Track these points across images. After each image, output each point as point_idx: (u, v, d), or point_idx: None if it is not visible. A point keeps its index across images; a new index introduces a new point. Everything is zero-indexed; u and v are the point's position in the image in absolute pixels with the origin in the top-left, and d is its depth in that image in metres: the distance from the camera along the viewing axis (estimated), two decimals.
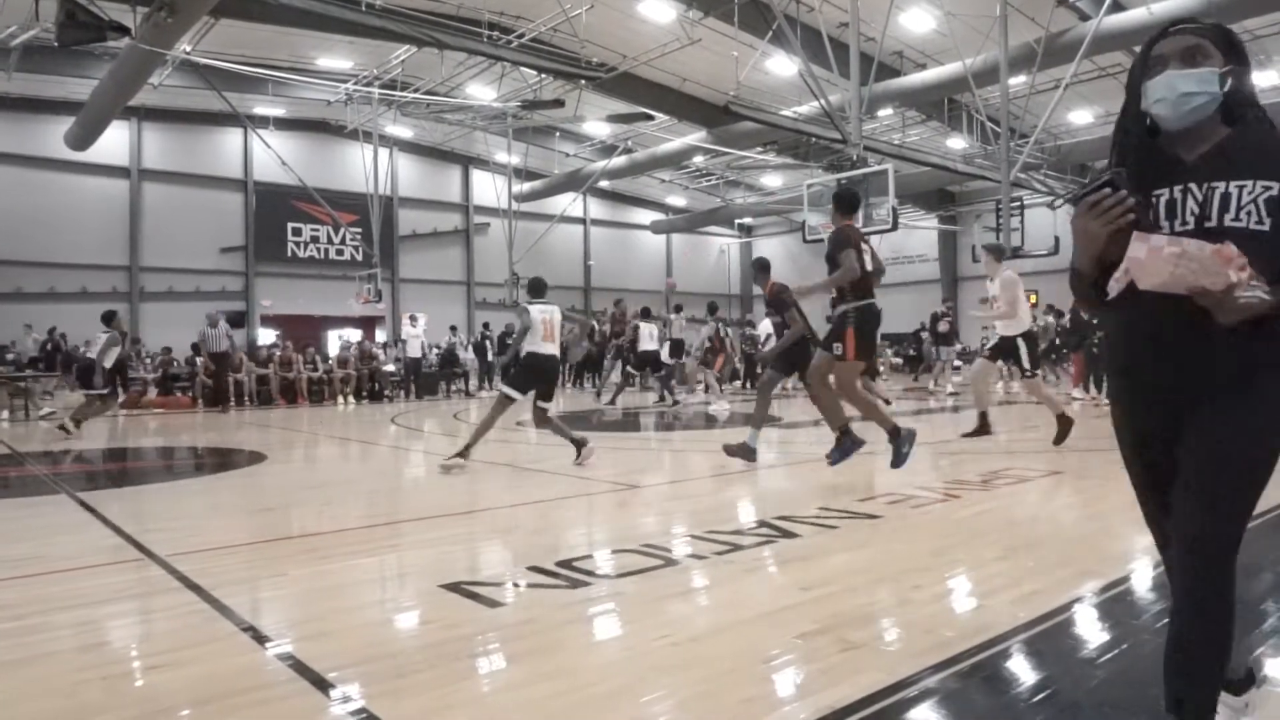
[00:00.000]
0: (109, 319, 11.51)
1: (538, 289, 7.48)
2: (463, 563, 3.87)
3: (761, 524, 4.33)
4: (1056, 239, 21.56)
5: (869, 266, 5.66)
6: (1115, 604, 3.05)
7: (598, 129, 27.23)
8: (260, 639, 2.77)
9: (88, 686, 2.40)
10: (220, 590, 3.27)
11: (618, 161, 27.89)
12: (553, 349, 7.09)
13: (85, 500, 5.54)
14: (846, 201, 5.94)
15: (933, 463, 6.72)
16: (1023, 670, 2.48)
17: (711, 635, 2.76)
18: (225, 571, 3.64)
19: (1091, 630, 2.82)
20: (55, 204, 24.72)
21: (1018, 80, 18.15)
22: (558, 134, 28.36)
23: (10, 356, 19.27)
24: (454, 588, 3.22)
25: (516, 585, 3.32)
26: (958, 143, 25.61)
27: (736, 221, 38.95)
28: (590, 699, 2.27)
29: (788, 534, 4.10)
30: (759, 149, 26.05)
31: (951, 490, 5.31)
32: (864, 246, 5.68)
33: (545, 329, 6.96)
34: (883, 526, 4.32)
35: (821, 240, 17.50)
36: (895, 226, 16.15)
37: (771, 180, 34.42)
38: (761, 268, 7.47)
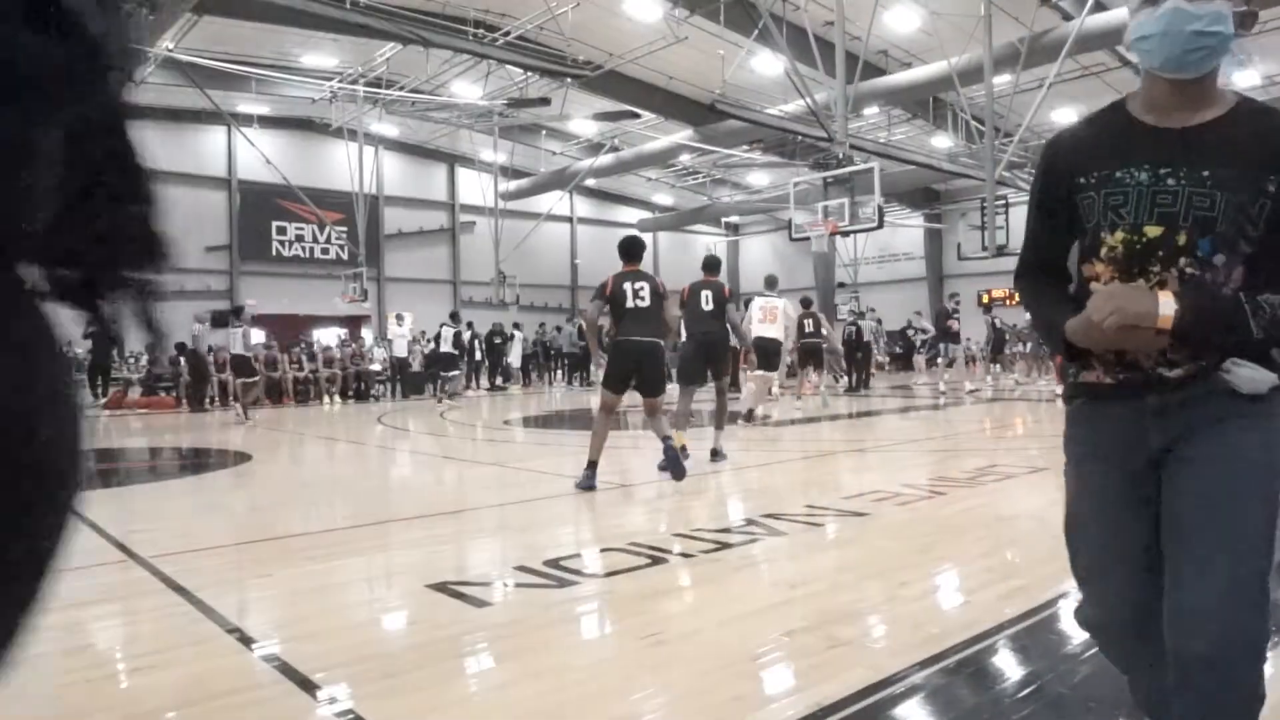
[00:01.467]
0: None
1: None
2: (450, 563, 3.86)
3: (749, 522, 4.34)
4: None
5: (630, 303, 5.80)
6: None
7: (584, 127, 27.19)
8: (246, 640, 2.76)
9: (73, 689, 2.38)
10: (205, 592, 3.25)
11: (604, 160, 27.87)
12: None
13: None
14: (622, 251, 6.12)
15: (918, 460, 6.76)
16: (1009, 665, 2.50)
17: (699, 633, 2.76)
18: (210, 573, 3.62)
19: (1075, 626, 2.84)
20: None
21: (1002, 79, 18.25)
22: (544, 132, 28.31)
23: None
24: (441, 588, 3.21)
25: (504, 585, 3.31)
26: (943, 141, 25.74)
27: (723, 220, 39.03)
28: (578, 698, 2.27)
29: (775, 532, 4.11)
30: (745, 147, 26.10)
31: (937, 487, 5.34)
32: (631, 285, 5.83)
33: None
34: (869, 524, 4.34)
35: (808, 239, 17.60)
36: (881, 225, 16.22)
37: (758, 179, 34.49)
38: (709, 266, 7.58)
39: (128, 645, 2.90)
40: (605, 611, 3.03)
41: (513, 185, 29.41)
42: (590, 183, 31.43)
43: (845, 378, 17.25)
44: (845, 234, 17.77)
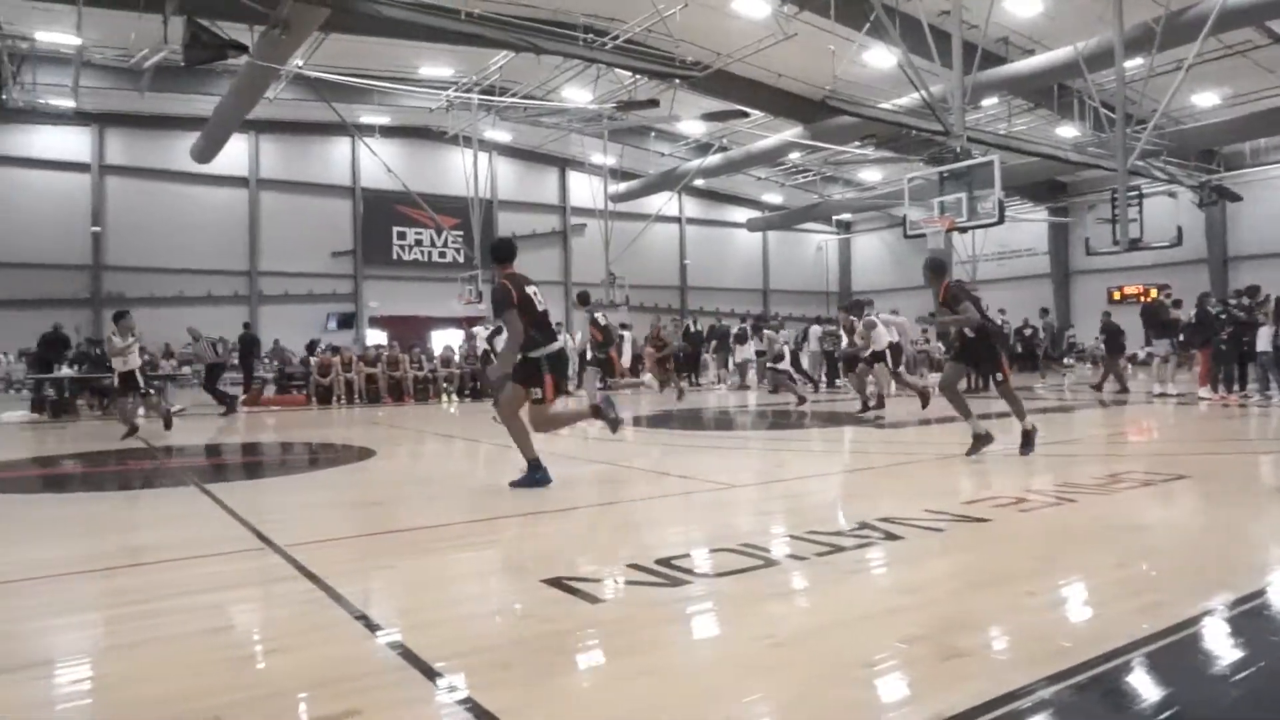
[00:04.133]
0: (119, 319, 10.75)
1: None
2: (563, 559, 3.93)
3: (863, 525, 4.24)
4: (1180, 229, 20.34)
5: (541, 307, 5.79)
6: (1250, 619, 2.85)
7: (692, 128, 27.21)
8: (372, 627, 2.88)
9: (215, 667, 2.54)
10: (334, 579, 3.41)
11: (713, 160, 27.81)
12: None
13: (212, 491, 5.88)
14: (500, 252, 6.05)
15: (1044, 465, 6.45)
16: (1146, 686, 2.35)
17: (811, 637, 2.72)
18: (338, 561, 3.80)
19: (1223, 646, 2.65)
20: (183, 213, 26.35)
21: (1134, 63, 17.22)
22: (652, 134, 28.49)
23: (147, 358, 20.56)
24: (555, 583, 3.27)
25: (615, 582, 3.35)
26: (1069, 131, 24.50)
27: (834, 218, 38.30)
28: (689, 697, 2.27)
29: (891, 536, 4.01)
30: (857, 143, 25.54)
31: (1065, 493, 5.08)
32: (530, 289, 5.78)
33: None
34: (991, 530, 4.17)
35: (923, 235, 17.04)
36: (1002, 220, 15.59)
37: (870, 175, 33.68)
38: (935, 269, 7.12)
39: (265, 628, 3.08)
40: (716, 612, 3.02)
41: (622, 187, 29.71)
42: (699, 183, 31.44)
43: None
44: (963, 230, 17.18)
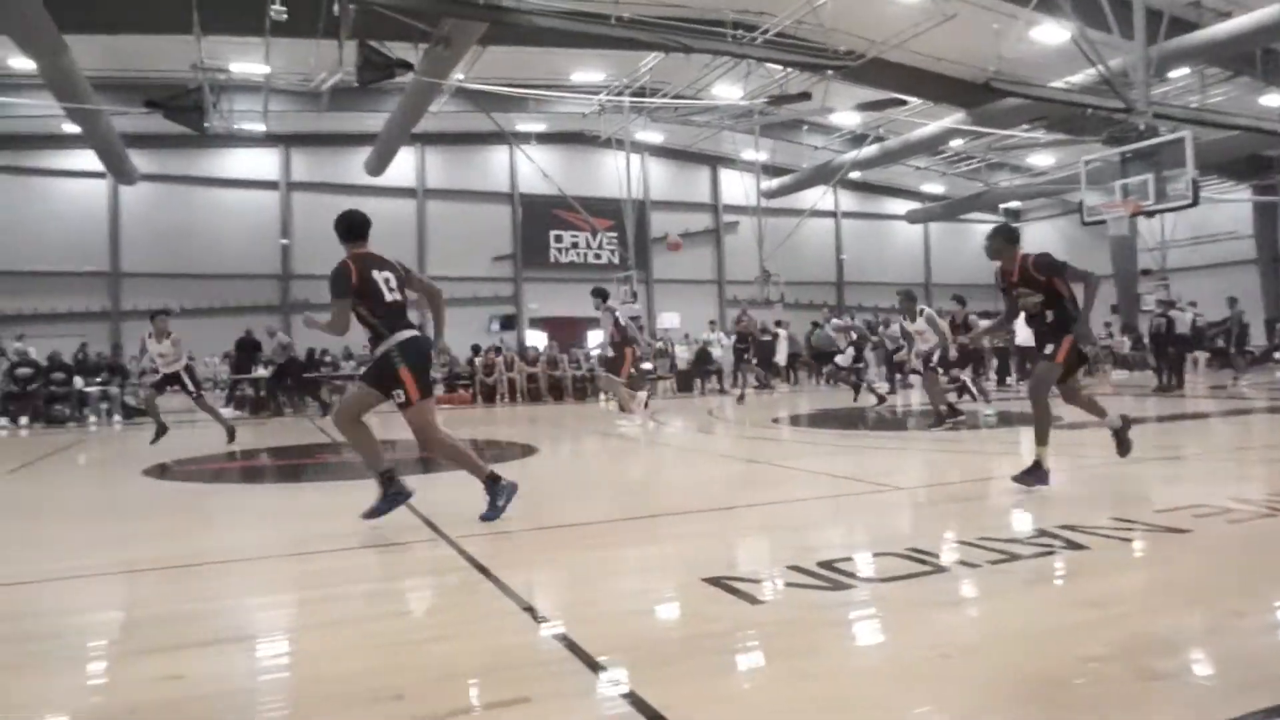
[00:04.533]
0: (154, 318, 10.23)
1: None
2: (723, 558, 3.92)
3: (1042, 533, 3.98)
4: None
5: (390, 297, 4.65)
6: None
7: (847, 119, 26.49)
8: (537, 618, 2.98)
9: (390, 650, 2.70)
10: (501, 571, 3.55)
11: (869, 151, 26.98)
12: None
13: None
14: (345, 229, 4.81)
15: (1252, 471, 5.83)
16: None
17: (985, 649, 2.57)
18: (505, 554, 3.95)
19: None
20: None
21: None
22: (805, 127, 27.98)
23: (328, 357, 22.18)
24: (715, 582, 3.26)
25: (776, 583, 3.30)
26: (1276, 100, 22.06)
27: (1001, 206, 36.24)
28: (851, 705, 2.20)
29: (1074, 545, 3.74)
30: (1025, 126, 24.05)
31: (1277, 504, 4.58)
32: (380, 274, 4.65)
33: None
34: (1191, 542, 3.81)
35: (1103, 221, 15.84)
36: (1196, 201, 14.27)
37: (1041, 159, 31.70)
38: (1009, 236, 5.65)
39: (439, 614, 3.25)
40: (882, 619, 2.92)
41: (775, 183, 29.35)
42: (854, 176, 30.58)
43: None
44: (1150, 214, 15.84)
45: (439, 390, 19.58)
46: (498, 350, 20.37)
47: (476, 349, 20.88)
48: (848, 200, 34.69)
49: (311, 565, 3.97)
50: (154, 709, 2.29)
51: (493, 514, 4.65)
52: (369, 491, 4.73)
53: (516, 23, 15.68)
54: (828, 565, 3.46)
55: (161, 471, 7.94)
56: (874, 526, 4.57)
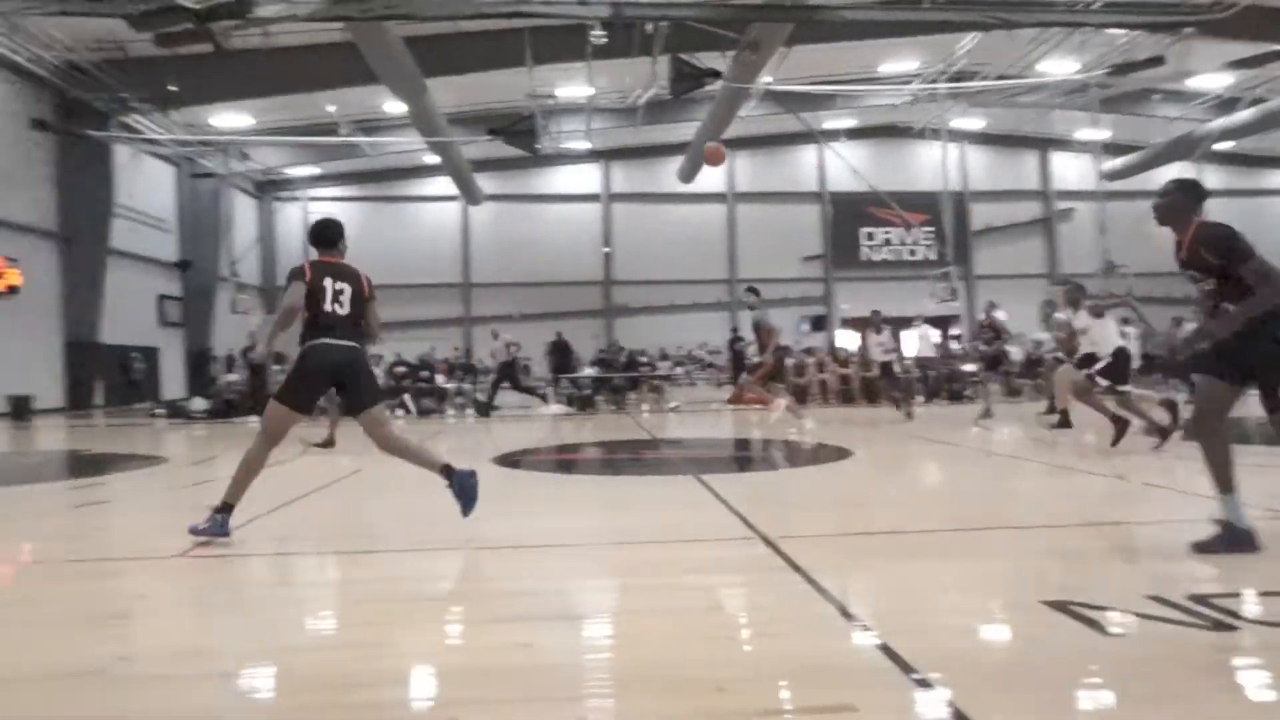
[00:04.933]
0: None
1: None
2: (1063, 580, 3.53)
3: None
4: None
5: (329, 306, 4.54)
6: None
7: (1211, 81, 22.84)
8: (854, 624, 2.89)
9: (713, 642, 2.76)
10: (818, 574, 3.50)
11: (1242, 116, 23.05)
12: None
13: (706, 482, 6.46)
14: (317, 235, 4.82)
15: None
16: None
17: None
18: (822, 557, 3.89)
19: None
20: (672, 230, 29.81)
21: None
22: (1156, 96, 24.59)
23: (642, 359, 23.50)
24: (1059, 606, 2.93)
25: (1135, 615, 2.89)
26: None
27: None
28: None
29: None
30: None
31: None
32: (333, 283, 4.59)
33: None
34: None
35: None
36: None
37: None
38: (1195, 192, 4.34)
39: (756, 612, 3.27)
40: (1275, 670, 2.45)
41: (1119, 162, 26.19)
42: (1222, 147, 26.30)
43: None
44: None
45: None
46: (809, 351, 20.25)
47: (786, 350, 20.88)
48: (1214, 177, 29.85)
49: (637, 554, 4.20)
50: (505, 673, 2.54)
51: (467, 504, 4.60)
52: (685, 489, 4.89)
53: (825, 19, 15.48)
54: (1201, 599, 2.97)
55: (505, 460, 8.86)
56: (1267, 559, 3.83)
